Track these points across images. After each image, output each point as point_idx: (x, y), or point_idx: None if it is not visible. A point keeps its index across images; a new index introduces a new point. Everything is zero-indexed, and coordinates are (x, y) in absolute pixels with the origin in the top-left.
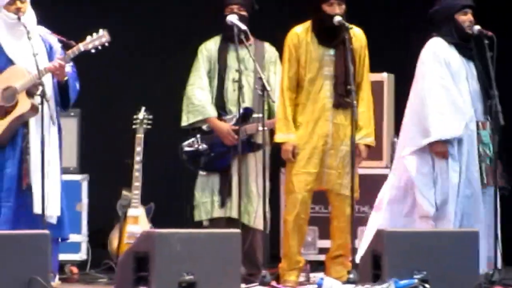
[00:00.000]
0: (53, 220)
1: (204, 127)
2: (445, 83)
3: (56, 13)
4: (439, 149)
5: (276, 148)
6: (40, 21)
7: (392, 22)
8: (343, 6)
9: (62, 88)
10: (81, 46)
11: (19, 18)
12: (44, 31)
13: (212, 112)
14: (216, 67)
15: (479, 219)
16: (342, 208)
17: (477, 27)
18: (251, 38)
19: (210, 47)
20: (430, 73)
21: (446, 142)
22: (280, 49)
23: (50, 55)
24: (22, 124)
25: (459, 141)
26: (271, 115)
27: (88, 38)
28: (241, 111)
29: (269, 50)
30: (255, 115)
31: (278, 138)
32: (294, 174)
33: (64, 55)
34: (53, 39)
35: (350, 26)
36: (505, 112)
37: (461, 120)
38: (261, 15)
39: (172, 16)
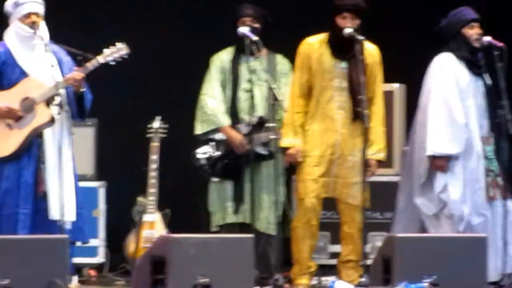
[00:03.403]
0: (68, 225)
1: (216, 136)
2: (449, 100)
3: (70, 28)
4: (438, 163)
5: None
6: (52, 35)
7: (405, 34)
8: (357, 21)
9: (78, 99)
10: (101, 59)
11: (35, 33)
12: (53, 45)
13: (225, 121)
14: (229, 77)
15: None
16: (351, 215)
17: (487, 39)
18: (263, 49)
19: (223, 58)
20: (436, 89)
21: (447, 158)
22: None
23: (61, 67)
24: (38, 134)
25: (465, 157)
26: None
27: (107, 50)
28: (255, 119)
29: (282, 62)
30: (268, 124)
31: (284, 142)
32: (301, 180)
33: (84, 66)
34: (62, 52)
35: (361, 38)
36: None
37: (459, 138)
38: (277, 28)
39: (187, 27)
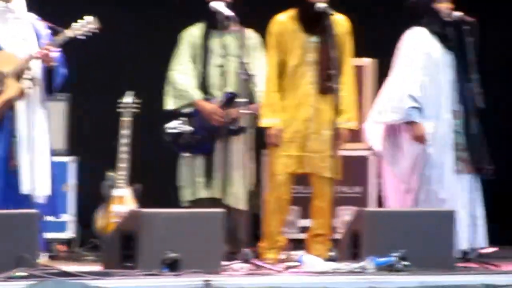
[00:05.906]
0: (41, 200)
1: (187, 111)
2: (413, 74)
3: (47, 0)
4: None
5: (259, 131)
6: (30, 8)
7: (376, 8)
8: None
9: (49, 74)
10: (69, 33)
11: (7, 6)
12: (33, 18)
13: (197, 95)
14: (200, 53)
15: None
16: (323, 189)
17: (457, 13)
18: (237, 24)
19: (193, 33)
20: (402, 62)
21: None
22: (263, 35)
23: (39, 41)
24: (9, 107)
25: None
26: (254, 100)
27: (75, 24)
28: (225, 95)
29: (252, 36)
30: (239, 100)
31: (264, 123)
32: (275, 157)
33: (53, 41)
34: (41, 26)
35: (332, 12)
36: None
37: (399, 108)
38: (245, 2)
39: (160, 2)
